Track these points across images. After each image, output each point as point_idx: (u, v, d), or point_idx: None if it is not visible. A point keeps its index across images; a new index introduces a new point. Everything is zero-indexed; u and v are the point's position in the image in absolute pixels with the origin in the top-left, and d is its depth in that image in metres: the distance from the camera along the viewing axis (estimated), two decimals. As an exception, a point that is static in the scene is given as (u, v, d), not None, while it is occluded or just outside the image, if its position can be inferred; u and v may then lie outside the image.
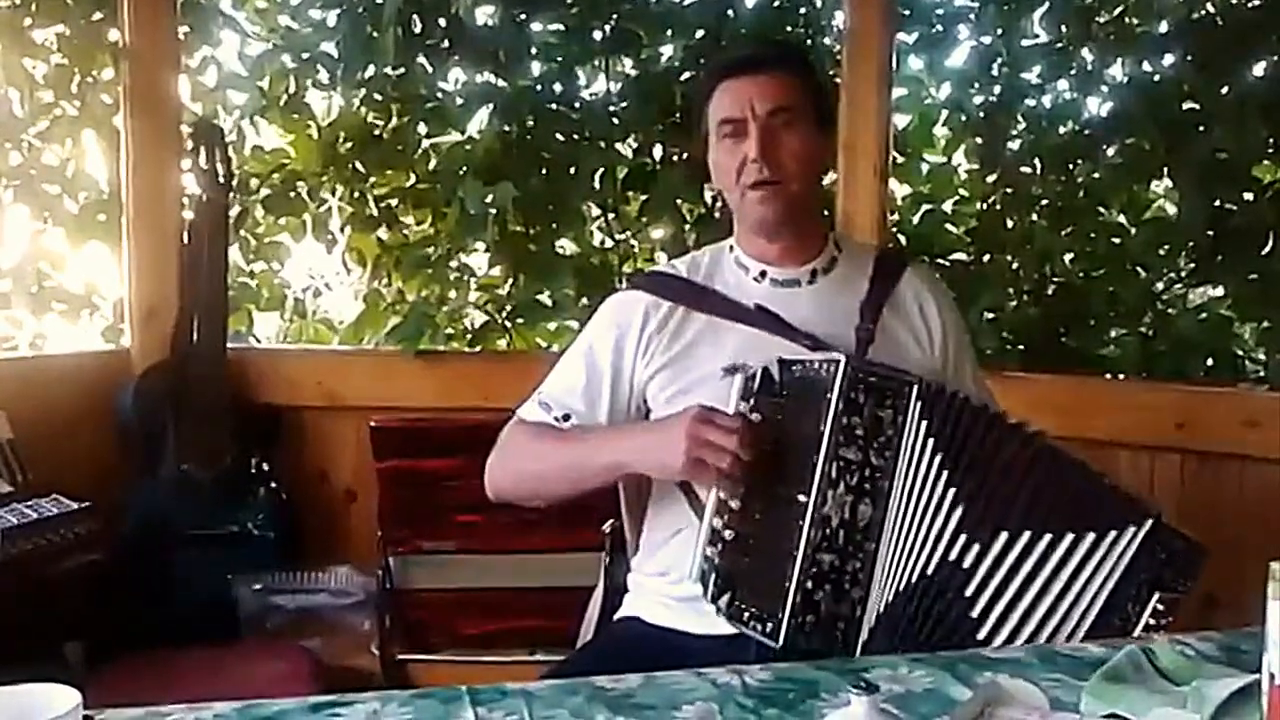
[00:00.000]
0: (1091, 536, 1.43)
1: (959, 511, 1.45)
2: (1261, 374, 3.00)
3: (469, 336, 3.12)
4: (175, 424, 2.59)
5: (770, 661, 1.34)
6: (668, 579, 1.63)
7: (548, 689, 1.22)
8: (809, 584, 1.45)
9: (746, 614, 1.48)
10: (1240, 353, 3.04)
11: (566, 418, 1.69)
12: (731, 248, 1.74)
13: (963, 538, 1.45)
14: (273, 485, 2.68)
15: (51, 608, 2.12)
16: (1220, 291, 3.04)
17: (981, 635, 1.44)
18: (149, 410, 2.59)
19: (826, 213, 2.98)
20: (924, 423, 1.46)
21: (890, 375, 1.48)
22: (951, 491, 1.45)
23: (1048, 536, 1.43)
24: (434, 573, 2.57)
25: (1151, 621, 1.42)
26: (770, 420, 1.48)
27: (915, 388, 1.47)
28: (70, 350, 3.10)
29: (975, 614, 1.44)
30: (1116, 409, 2.65)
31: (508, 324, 3.11)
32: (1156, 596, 1.43)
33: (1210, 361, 2.94)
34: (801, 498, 1.45)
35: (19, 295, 3.11)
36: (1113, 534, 1.43)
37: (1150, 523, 1.44)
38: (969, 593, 1.45)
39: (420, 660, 2.49)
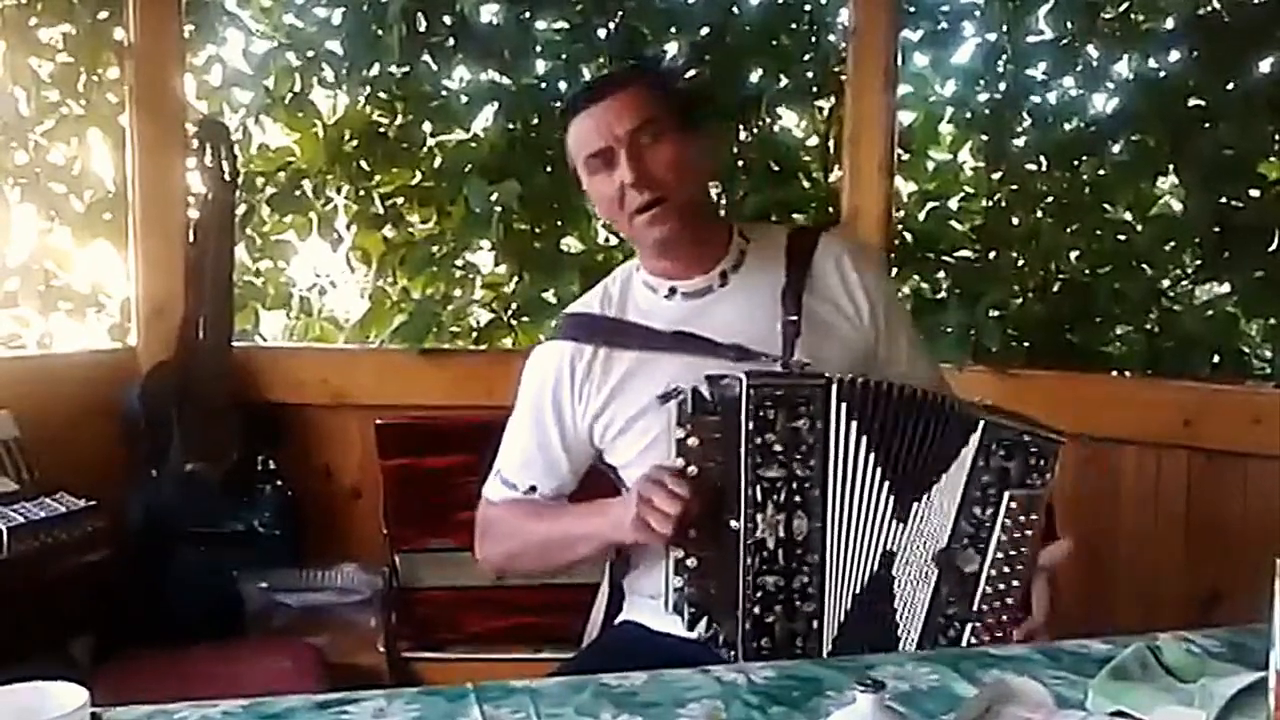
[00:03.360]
0: (953, 465, 1.45)
1: (891, 500, 1.46)
2: (1268, 371, 3.00)
3: (474, 335, 3.13)
4: (181, 422, 2.59)
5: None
6: (657, 601, 1.62)
7: (554, 686, 1.22)
8: (757, 609, 1.46)
9: (720, 638, 1.48)
10: (1246, 350, 3.03)
11: (533, 489, 1.69)
12: (638, 268, 1.72)
13: (894, 524, 1.46)
14: (278, 483, 2.68)
15: (58, 605, 2.13)
16: (1226, 288, 3.03)
17: (894, 605, 1.46)
18: (155, 408, 2.59)
19: (831, 210, 2.99)
20: (853, 421, 1.45)
21: (798, 382, 1.47)
22: (886, 484, 1.46)
23: (934, 487, 1.45)
24: (440, 570, 2.57)
25: (1008, 522, 1.42)
26: (709, 441, 1.46)
27: (833, 387, 1.46)
28: (77, 349, 3.11)
29: (894, 589, 1.46)
30: (1122, 406, 2.65)
31: (513, 322, 3.11)
32: (1008, 496, 1.42)
33: (1216, 359, 2.93)
34: (734, 524, 1.45)
35: (26, 294, 3.12)
36: (961, 451, 1.44)
37: (982, 426, 1.44)
38: (894, 572, 1.47)
39: (426, 658, 2.50)
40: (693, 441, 1.46)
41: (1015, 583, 1.43)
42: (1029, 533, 1.43)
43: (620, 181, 1.58)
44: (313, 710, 1.16)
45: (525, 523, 1.69)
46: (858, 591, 1.47)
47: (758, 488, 1.45)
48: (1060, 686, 1.21)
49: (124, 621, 2.30)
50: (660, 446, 1.51)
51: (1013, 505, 1.42)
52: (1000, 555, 1.43)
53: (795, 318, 1.59)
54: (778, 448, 1.45)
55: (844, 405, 1.45)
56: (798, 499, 1.45)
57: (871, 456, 1.45)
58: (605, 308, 1.71)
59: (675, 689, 1.22)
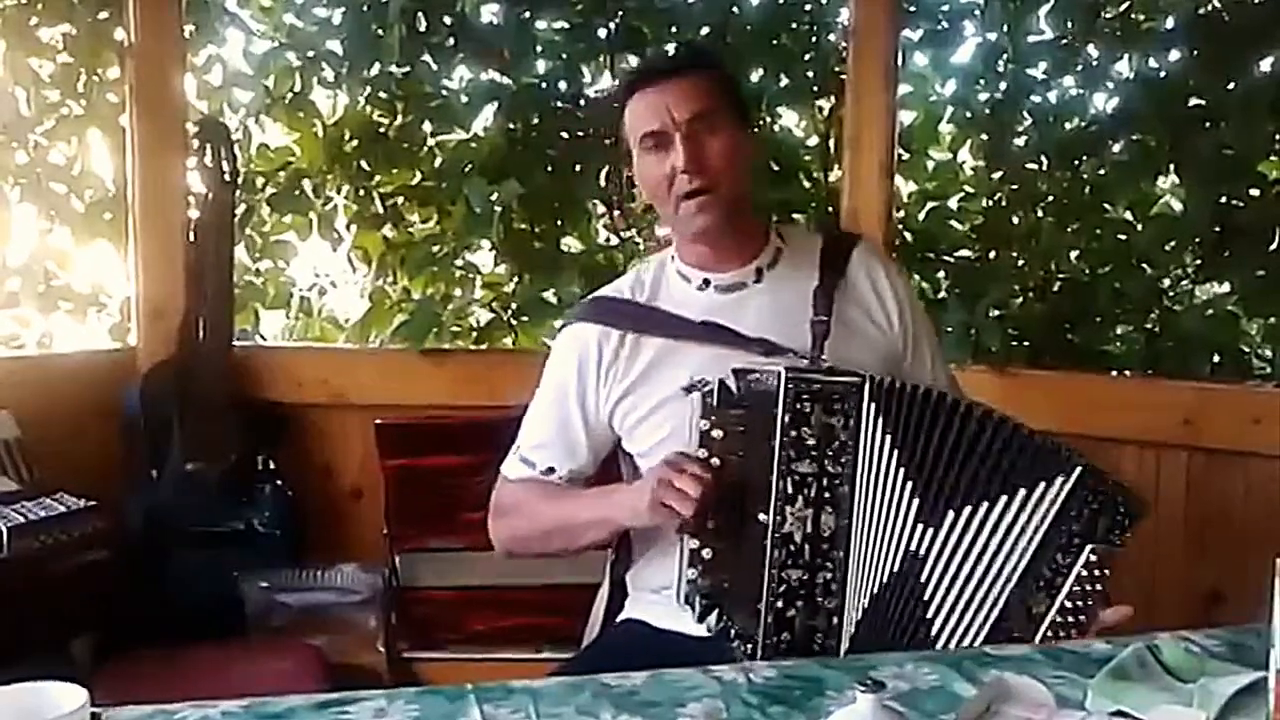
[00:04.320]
0: (1022, 493, 1.44)
1: (916, 502, 1.46)
2: (1268, 370, 3.00)
3: (474, 334, 3.13)
4: (181, 422, 2.59)
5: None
6: (665, 594, 1.62)
7: (553, 686, 1.22)
8: (779, 603, 1.46)
9: (732, 631, 1.48)
10: (1246, 349, 3.03)
11: (551, 470, 1.70)
12: (673, 257, 1.72)
13: (920, 526, 1.46)
14: (279, 483, 2.68)
15: (58, 605, 2.13)
16: (1226, 288, 3.03)
17: (930, 614, 1.45)
18: (155, 408, 2.59)
19: (831, 210, 2.99)
20: (880, 420, 1.46)
21: (835, 379, 1.47)
22: (909, 485, 1.46)
23: (985, 505, 1.44)
24: (440, 570, 2.57)
25: (1084, 573, 1.42)
26: (733, 434, 1.47)
27: (865, 386, 1.46)
28: (77, 349, 3.11)
29: (926, 597, 1.46)
30: (1122, 406, 2.65)
31: (513, 322, 3.11)
32: (1089, 549, 1.43)
33: (1217, 358, 2.93)
34: (762, 517, 1.45)
35: (26, 294, 3.12)
36: (1041, 485, 1.44)
37: (1079, 471, 1.43)
38: (924, 577, 1.46)
39: (426, 658, 2.50)
40: (716, 434, 1.47)
41: (1074, 633, 1.43)
42: (1099, 588, 1.43)
43: (672, 165, 1.59)
44: (312, 710, 1.16)
45: (537, 504, 1.70)
46: (876, 590, 1.46)
47: (789, 481, 1.45)
48: (1060, 686, 1.21)
49: (124, 621, 2.30)
50: (680, 437, 1.51)
51: (1092, 559, 1.43)
52: (1069, 604, 1.43)
53: (825, 318, 1.61)
54: (811, 442, 1.45)
55: (873, 404, 1.46)
56: (827, 495, 1.46)
57: (895, 455, 1.46)
58: (636, 294, 1.72)
59: (675, 688, 1.21)
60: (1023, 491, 1.44)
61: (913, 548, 1.46)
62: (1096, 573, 1.43)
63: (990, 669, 1.26)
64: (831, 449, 1.46)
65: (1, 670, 1.07)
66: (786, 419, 1.45)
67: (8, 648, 1.74)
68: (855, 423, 1.46)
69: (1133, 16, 3.17)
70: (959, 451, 1.46)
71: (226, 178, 2.68)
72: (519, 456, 1.73)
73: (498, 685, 1.21)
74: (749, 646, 1.46)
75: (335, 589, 2.60)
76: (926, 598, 1.46)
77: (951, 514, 1.45)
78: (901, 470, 1.46)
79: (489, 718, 1.14)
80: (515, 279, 3.14)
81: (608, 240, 3.26)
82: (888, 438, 1.46)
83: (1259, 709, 1.10)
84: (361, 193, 3.25)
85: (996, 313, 2.93)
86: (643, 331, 1.66)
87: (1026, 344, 3.01)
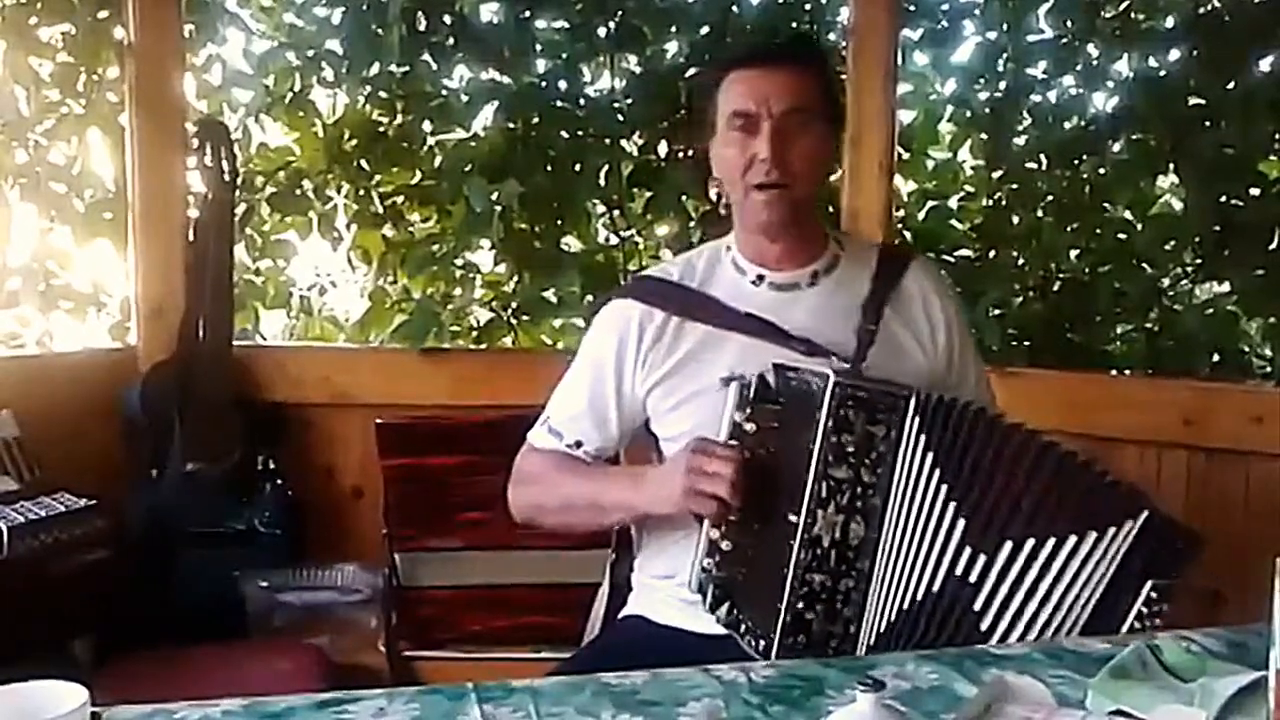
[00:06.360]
0: (1093, 536, 1.41)
1: (962, 524, 1.42)
2: (1268, 370, 3.00)
3: (475, 334, 3.13)
4: (181, 421, 2.59)
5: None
6: (673, 581, 1.62)
7: (554, 686, 1.22)
8: (799, 604, 1.44)
9: (743, 626, 1.48)
10: (1246, 349, 3.04)
11: (579, 444, 1.69)
12: (729, 247, 1.71)
13: (968, 550, 1.42)
14: (279, 483, 2.68)
15: (58, 605, 2.13)
16: (1226, 287, 3.04)
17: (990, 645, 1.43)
18: (155, 408, 2.59)
19: (831, 210, 2.99)
20: (922, 436, 1.43)
21: (882, 390, 1.45)
22: (953, 505, 1.42)
23: (1051, 541, 1.40)
24: (440, 570, 2.57)
25: (1144, 610, 1.41)
26: (766, 429, 1.46)
27: (911, 400, 1.44)
28: (77, 348, 3.11)
29: (984, 627, 1.42)
30: (1122, 405, 2.65)
31: (513, 321, 3.11)
32: (1150, 584, 1.40)
33: (1217, 357, 2.94)
34: (792, 518, 1.43)
35: (26, 293, 3.12)
36: (1111, 530, 1.41)
37: (1145, 515, 1.41)
38: (978, 606, 1.42)
39: (427, 657, 2.49)
40: (750, 427, 1.46)
41: None
42: (1157, 622, 1.41)
43: (754, 153, 1.58)
44: (313, 709, 1.16)
45: (561, 477, 1.68)
46: (907, 606, 1.44)
47: (824, 484, 1.43)
48: (1060, 685, 1.21)
49: (125, 621, 2.30)
50: (705, 429, 1.51)
51: (1153, 595, 1.40)
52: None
53: (873, 328, 1.61)
54: (850, 449, 1.43)
55: (917, 419, 1.43)
56: (859, 504, 1.44)
57: (937, 474, 1.42)
58: (686, 278, 1.70)
59: (676, 688, 1.21)
60: (1093, 535, 1.41)
61: (958, 571, 1.42)
62: (1155, 608, 1.41)
63: (990, 668, 1.26)
64: (870, 458, 1.43)
65: (1, 670, 1.07)
66: (830, 423, 1.42)
67: (8, 648, 1.73)
68: (896, 435, 1.43)
69: (1133, 16, 3.17)
70: (1014, 480, 1.43)
71: (226, 177, 2.68)
72: (547, 427, 1.71)
73: (498, 684, 1.21)
74: (761, 643, 1.45)
75: (336, 589, 2.61)
76: (984, 628, 1.42)
77: (1010, 545, 1.41)
78: (944, 489, 1.42)
79: (489, 717, 1.14)
80: (515, 279, 3.14)
81: (607, 239, 3.26)
82: (929, 455, 1.42)
83: (1259, 708, 1.09)
84: (361, 192, 3.25)
85: (996, 312, 2.93)
86: (687, 317, 1.65)
87: (1026, 343, 3.01)
